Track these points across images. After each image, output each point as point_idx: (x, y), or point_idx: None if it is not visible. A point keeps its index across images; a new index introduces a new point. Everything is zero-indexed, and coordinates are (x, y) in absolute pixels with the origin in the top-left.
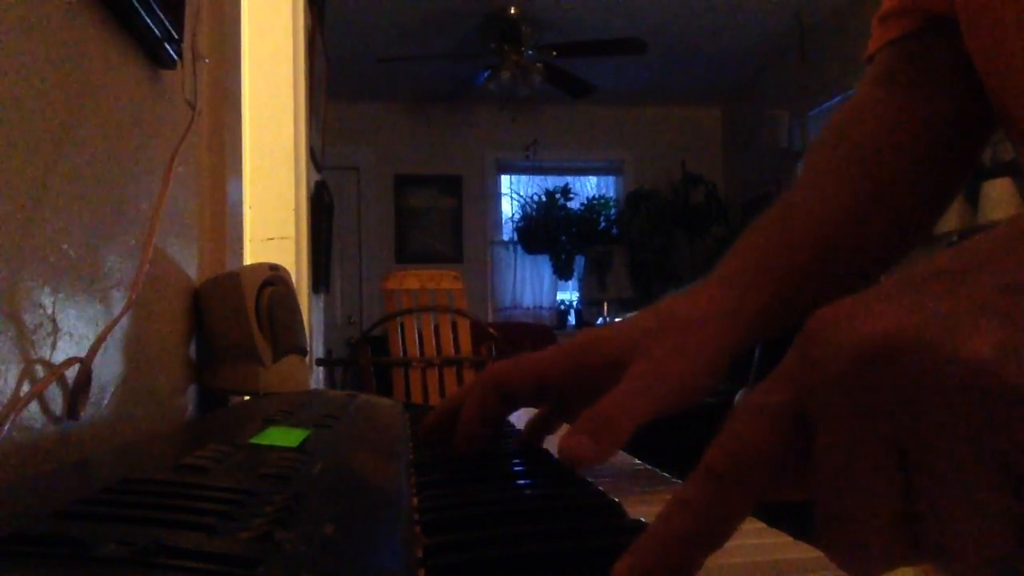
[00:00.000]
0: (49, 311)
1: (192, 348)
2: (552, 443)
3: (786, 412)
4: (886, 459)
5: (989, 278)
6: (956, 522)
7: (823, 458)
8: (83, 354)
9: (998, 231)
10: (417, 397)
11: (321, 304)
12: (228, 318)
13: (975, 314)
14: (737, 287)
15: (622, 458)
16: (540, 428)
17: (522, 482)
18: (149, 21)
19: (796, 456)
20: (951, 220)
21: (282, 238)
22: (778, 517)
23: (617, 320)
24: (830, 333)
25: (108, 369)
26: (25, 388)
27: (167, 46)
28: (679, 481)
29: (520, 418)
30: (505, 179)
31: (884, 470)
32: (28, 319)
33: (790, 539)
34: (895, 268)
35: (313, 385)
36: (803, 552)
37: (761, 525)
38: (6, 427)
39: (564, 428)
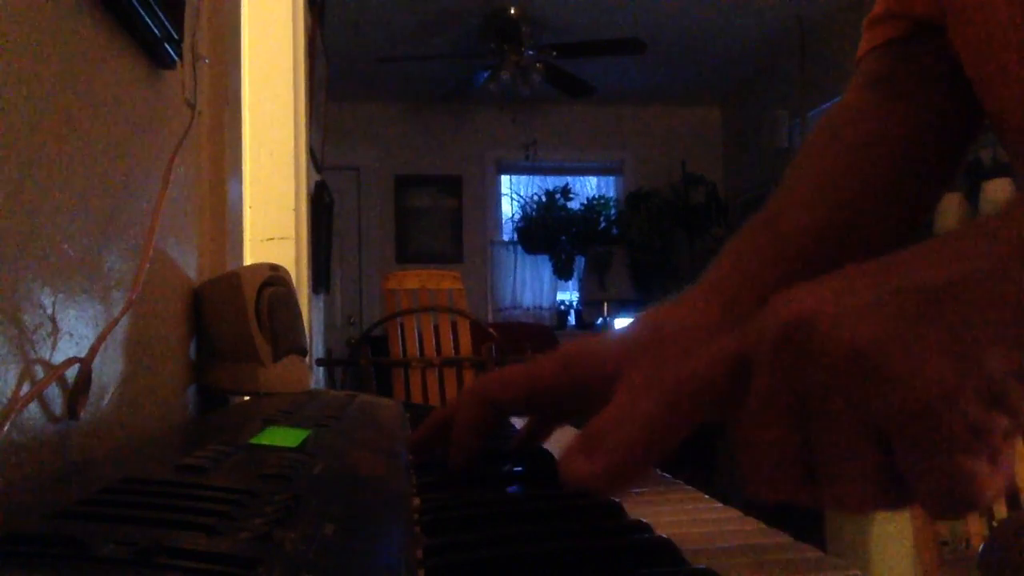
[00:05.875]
0: (49, 311)
1: (192, 348)
2: (551, 445)
3: (736, 359)
4: (791, 408)
5: (893, 280)
6: (837, 463)
7: (751, 399)
8: (83, 354)
9: (929, 241)
10: (417, 397)
11: (321, 304)
12: (228, 318)
13: (868, 309)
14: (724, 296)
15: None
16: (531, 438)
17: (522, 483)
18: (149, 21)
19: (735, 393)
20: (951, 220)
21: (282, 238)
22: (779, 517)
23: (608, 331)
24: (774, 308)
25: (108, 369)
26: (25, 388)
27: (167, 46)
28: (678, 481)
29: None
30: (505, 179)
31: (788, 416)
32: (28, 319)
33: (790, 539)
34: None
35: (313, 385)
36: (803, 552)
37: (761, 525)
38: (6, 427)
39: (560, 432)
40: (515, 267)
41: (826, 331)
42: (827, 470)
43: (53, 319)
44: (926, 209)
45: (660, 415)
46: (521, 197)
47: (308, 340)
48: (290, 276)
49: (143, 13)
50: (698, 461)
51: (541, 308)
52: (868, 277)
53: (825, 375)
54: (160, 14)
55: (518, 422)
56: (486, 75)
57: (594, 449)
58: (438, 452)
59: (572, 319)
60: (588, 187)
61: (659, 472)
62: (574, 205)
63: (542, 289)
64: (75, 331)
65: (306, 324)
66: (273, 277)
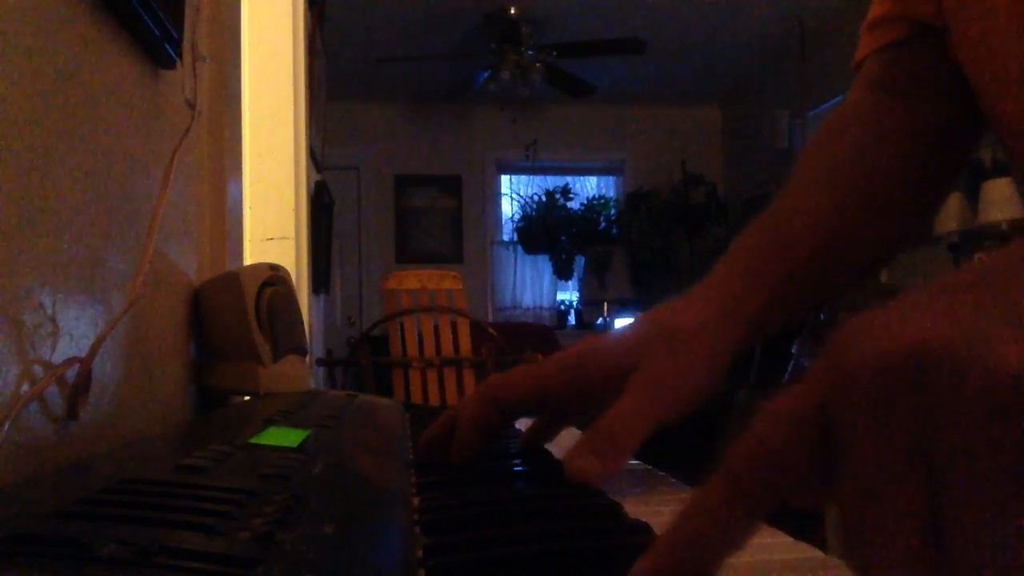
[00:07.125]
0: (49, 311)
1: (192, 348)
2: (552, 445)
3: (810, 417)
4: (912, 469)
5: (1015, 290)
6: (981, 534)
7: (850, 466)
8: (83, 354)
9: (1019, 243)
10: (417, 397)
11: (321, 304)
12: (228, 318)
13: (1001, 325)
14: (731, 292)
15: None
16: (537, 437)
17: (522, 482)
18: (149, 21)
19: (817, 463)
20: (951, 220)
21: (282, 238)
22: (779, 517)
23: (614, 330)
24: (860, 341)
25: (108, 369)
26: (25, 388)
27: (167, 46)
28: (678, 481)
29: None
30: (505, 179)
31: (911, 481)
32: (28, 319)
33: (790, 539)
34: (887, 268)
35: (313, 385)
36: (803, 552)
37: (761, 525)
38: (6, 427)
39: (564, 434)
40: (515, 267)
41: (964, 358)
42: (973, 538)
43: (53, 319)
44: (931, 209)
45: (722, 506)
46: (521, 197)
47: (308, 340)
48: (290, 276)
49: (143, 13)
50: (699, 460)
51: (541, 308)
52: (964, 294)
53: (964, 412)
54: (160, 14)
55: (520, 423)
56: (486, 75)
57: (604, 448)
58: (445, 452)
59: (572, 319)
60: (588, 187)
61: (659, 472)
62: (574, 205)
63: (542, 289)
64: (75, 331)
65: (306, 324)
66: (273, 277)
